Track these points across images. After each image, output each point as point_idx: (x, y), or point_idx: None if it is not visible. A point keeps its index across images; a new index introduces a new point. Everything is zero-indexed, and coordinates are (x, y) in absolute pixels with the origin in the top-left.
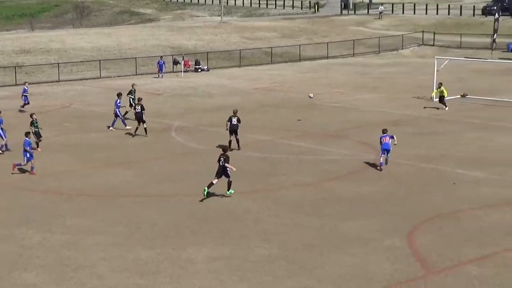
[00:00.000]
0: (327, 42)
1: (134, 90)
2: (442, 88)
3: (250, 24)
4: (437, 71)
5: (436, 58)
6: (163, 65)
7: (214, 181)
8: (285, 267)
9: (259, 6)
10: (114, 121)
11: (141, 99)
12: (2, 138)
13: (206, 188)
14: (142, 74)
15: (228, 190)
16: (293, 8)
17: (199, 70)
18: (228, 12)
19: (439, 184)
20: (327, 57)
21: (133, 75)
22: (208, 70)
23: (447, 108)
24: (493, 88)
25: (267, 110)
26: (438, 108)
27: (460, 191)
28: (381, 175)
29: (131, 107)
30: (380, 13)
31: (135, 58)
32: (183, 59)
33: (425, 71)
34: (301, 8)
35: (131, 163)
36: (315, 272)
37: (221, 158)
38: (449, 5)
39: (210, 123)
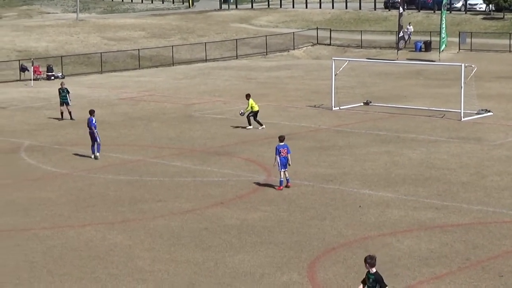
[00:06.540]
0: (205, 43)
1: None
2: (250, 101)
3: (112, 22)
4: (335, 74)
5: (334, 59)
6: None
7: None
8: None
9: (122, 0)
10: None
11: None
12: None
13: None
14: None
15: None
16: (163, 3)
17: (52, 77)
18: (85, 8)
19: (343, 208)
20: (206, 60)
21: None
22: (63, 77)
23: (261, 128)
24: (400, 94)
25: (136, 124)
26: (245, 127)
27: (367, 215)
28: (272, 199)
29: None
30: (409, 36)
31: None
32: (32, 65)
33: (321, 74)
34: (173, 3)
35: None
36: None
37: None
38: None
39: (67, 141)
